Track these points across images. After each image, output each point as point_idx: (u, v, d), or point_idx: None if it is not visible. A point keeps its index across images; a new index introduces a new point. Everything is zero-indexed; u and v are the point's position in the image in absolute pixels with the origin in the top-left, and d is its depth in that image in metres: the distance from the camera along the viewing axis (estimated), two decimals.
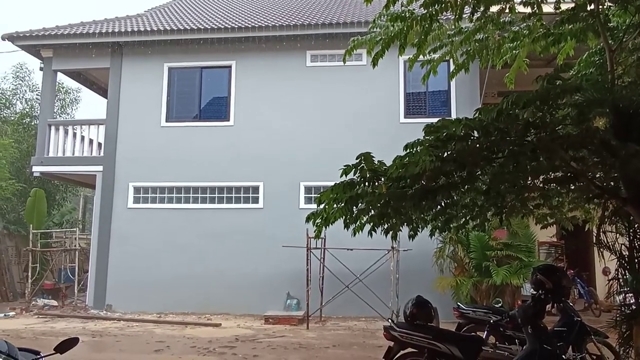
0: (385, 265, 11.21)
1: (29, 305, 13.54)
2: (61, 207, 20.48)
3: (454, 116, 12.17)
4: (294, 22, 13.25)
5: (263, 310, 11.92)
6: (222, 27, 13.28)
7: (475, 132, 4.01)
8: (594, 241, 5.53)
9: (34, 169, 14.12)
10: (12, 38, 13.84)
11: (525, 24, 5.97)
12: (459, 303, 7.36)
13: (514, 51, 6.45)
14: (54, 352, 2.79)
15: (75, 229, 16.67)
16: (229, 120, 13.45)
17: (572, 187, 5.68)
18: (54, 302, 14.17)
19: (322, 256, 11.58)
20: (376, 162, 4.41)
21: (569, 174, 5.33)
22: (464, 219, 5.99)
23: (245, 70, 13.51)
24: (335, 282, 11.28)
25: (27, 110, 21.02)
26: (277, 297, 12.29)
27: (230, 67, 13.59)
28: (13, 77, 21.31)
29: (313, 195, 12.86)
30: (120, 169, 13.56)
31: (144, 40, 13.55)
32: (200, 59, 13.66)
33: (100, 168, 13.68)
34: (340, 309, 11.72)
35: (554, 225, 9.53)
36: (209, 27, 13.30)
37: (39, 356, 2.80)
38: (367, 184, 4.29)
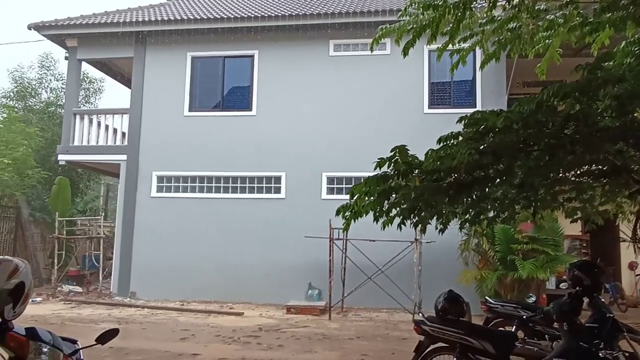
0: (408, 257, 11.14)
1: (55, 291, 13.80)
2: (84, 195, 20.77)
3: (479, 106, 12.03)
4: (317, 11, 13.14)
5: (284, 300, 11.96)
6: (245, 16, 13.23)
7: (515, 124, 3.91)
8: (631, 236, 5.39)
9: (60, 157, 14.32)
10: (37, 27, 13.99)
11: (560, 13, 5.80)
12: (487, 297, 7.26)
13: (546, 41, 6.29)
14: (95, 342, 2.81)
15: (99, 217, 16.90)
16: (251, 110, 13.44)
17: (608, 181, 5.55)
18: (79, 289, 14.42)
19: (344, 247, 11.56)
20: (410, 155, 4.33)
21: (604, 168, 5.20)
22: (494, 212, 5.91)
23: (268, 60, 13.46)
24: (357, 273, 11.25)
25: (53, 99, 21.31)
26: (299, 287, 12.31)
27: (252, 56, 13.55)
28: (39, 67, 21.59)
29: (335, 186, 12.82)
30: (144, 158, 13.67)
31: (167, 30, 13.58)
32: (223, 48, 13.65)
33: (124, 157, 13.81)
34: (362, 300, 11.70)
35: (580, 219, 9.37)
36: (232, 16, 13.25)
37: (80, 347, 2.81)
38: (400, 177, 4.22)
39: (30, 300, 2.57)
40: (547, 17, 5.90)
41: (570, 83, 3.87)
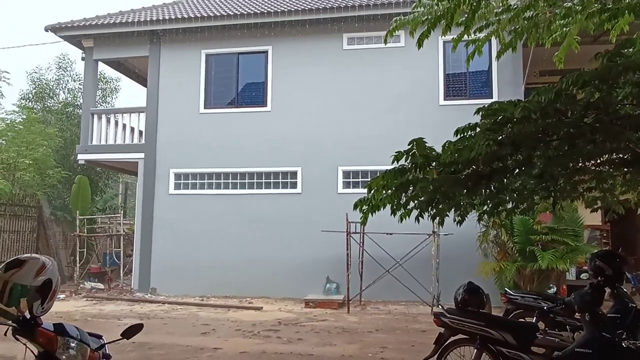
0: (426, 250, 11.12)
1: (77, 288, 14.04)
2: (104, 193, 21.06)
3: (495, 97, 11.91)
4: (330, 5, 13.10)
5: (302, 294, 12.02)
6: (258, 12, 13.25)
7: (533, 114, 3.87)
8: None
9: (79, 157, 14.53)
10: (54, 29, 14.18)
11: (578, 0, 5.71)
12: (506, 289, 7.22)
13: (564, 29, 6.20)
14: (120, 337, 2.86)
15: (118, 215, 17.14)
16: (266, 105, 13.47)
17: (629, 170, 5.47)
18: (101, 285, 14.66)
19: (361, 240, 11.56)
20: (427, 148, 4.32)
21: (625, 156, 5.13)
22: (513, 203, 5.87)
23: (282, 55, 13.47)
24: (375, 266, 11.26)
25: (70, 99, 21.59)
26: (317, 281, 12.35)
27: (266, 52, 13.58)
28: (56, 68, 21.89)
29: (351, 180, 12.82)
30: (161, 155, 13.81)
31: (181, 28, 13.66)
32: (236, 45, 13.68)
33: (141, 155, 13.97)
34: (380, 293, 11.69)
35: (600, 209, 9.26)
36: (245, 13, 13.28)
37: (106, 342, 2.87)
38: (418, 170, 4.21)
39: (57, 296, 2.63)
40: (565, 4, 5.82)
41: (589, 71, 3.81)
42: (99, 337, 2.92)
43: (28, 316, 2.50)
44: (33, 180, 16.12)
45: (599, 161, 5.39)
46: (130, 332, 2.87)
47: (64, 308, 10.98)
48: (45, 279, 2.50)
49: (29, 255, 2.63)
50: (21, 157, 16.00)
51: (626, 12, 5.36)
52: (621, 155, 4.92)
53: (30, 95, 21.49)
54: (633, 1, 5.20)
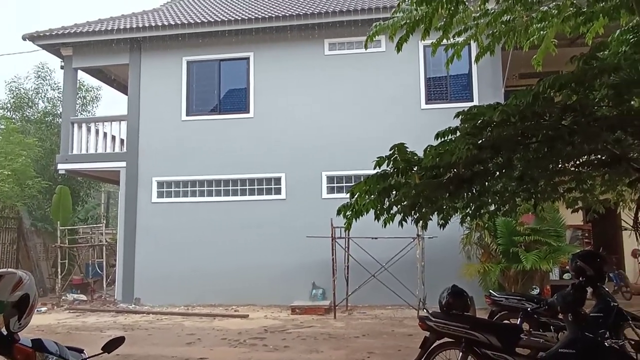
0: (411, 253, 11.15)
1: (59, 300, 13.80)
2: (85, 203, 20.76)
3: (476, 100, 12.04)
4: (311, 11, 13.14)
5: (289, 300, 11.97)
6: (239, 18, 13.23)
7: (512, 117, 3.91)
8: (632, 224, 5.39)
9: (60, 166, 14.32)
10: (32, 38, 13.99)
11: (554, 4, 5.80)
12: (490, 290, 7.27)
13: (541, 32, 6.29)
14: (101, 351, 2.80)
15: (101, 225, 16.90)
16: (248, 112, 13.43)
17: (607, 170, 5.55)
18: (83, 297, 14.43)
19: (346, 245, 11.56)
20: (408, 152, 4.34)
21: (603, 157, 5.20)
22: (495, 206, 5.92)
23: (264, 61, 13.46)
24: (361, 271, 11.25)
25: (50, 108, 21.28)
26: (303, 287, 12.31)
27: (248, 58, 13.55)
28: (35, 77, 21.57)
29: (335, 185, 12.83)
30: (143, 164, 13.67)
31: (161, 35, 13.57)
32: (218, 52, 13.64)
33: (123, 164, 13.81)
34: (366, 298, 11.69)
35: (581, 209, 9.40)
36: (226, 19, 13.25)
37: (87, 356, 2.81)
38: (400, 174, 4.22)
39: (35, 311, 2.58)
40: (541, 8, 5.91)
41: (566, 74, 3.87)
42: (80, 351, 2.85)
43: (5, 332, 2.44)
44: (12, 191, 15.81)
45: (578, 162, 5.47)
46: (111, 345, 2.81)
47: (46, 321, 10.79)
48: (22, 294, 2.44)
49: (5, 270, 2.57)
50: (0, 167, 15.71)
51: (600, 15, 5.48)
52: (599, 156, 4.99)
53: (8, 105, 21.15)
54: (607, 5, 5.31)
